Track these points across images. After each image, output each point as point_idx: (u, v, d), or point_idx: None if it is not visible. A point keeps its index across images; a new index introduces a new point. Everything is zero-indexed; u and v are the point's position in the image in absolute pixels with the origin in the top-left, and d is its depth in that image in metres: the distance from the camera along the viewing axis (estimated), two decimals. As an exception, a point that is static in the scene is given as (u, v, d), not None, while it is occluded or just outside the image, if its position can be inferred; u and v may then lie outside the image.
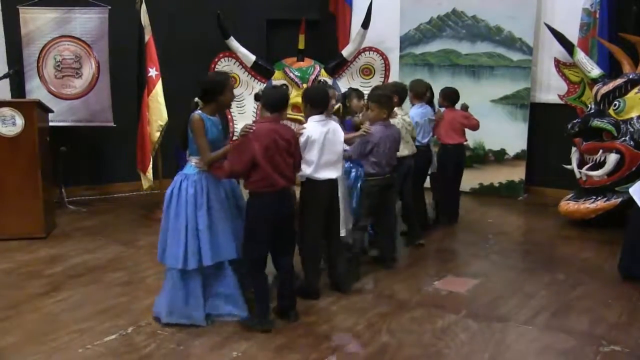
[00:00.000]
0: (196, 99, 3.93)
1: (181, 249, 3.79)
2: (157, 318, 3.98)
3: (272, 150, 3.74)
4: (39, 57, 6.81)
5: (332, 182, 4.36)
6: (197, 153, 3.86)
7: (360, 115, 5.24)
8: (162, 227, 3.93)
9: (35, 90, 6.81)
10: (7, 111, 5.57)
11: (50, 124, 6.31)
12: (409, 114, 5.73)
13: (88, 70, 6.97)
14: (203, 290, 3.91)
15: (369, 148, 4.72)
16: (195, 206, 3.80)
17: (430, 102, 6.31)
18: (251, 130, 3.73)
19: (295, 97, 7.43)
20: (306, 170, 4.26)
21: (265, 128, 3.79)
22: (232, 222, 3.94)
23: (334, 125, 4.43)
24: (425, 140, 5.94)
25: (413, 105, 6.00)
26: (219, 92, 3.87)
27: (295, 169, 3.99)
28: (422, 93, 5.98)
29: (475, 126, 6.44)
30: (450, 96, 6.34)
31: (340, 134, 4.45)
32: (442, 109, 6.34)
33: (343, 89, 7.31)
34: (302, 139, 4.21)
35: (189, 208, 3.80)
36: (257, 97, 4.59)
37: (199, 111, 3.84)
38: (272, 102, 3.92)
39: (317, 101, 4.35)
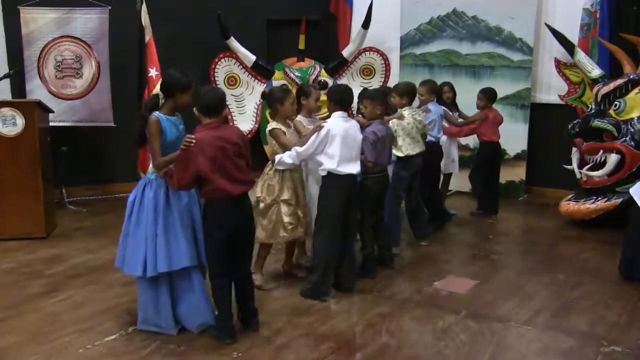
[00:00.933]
0: (158, 92, 3.79)
1: (141, 256, 3.67)
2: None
3: (220, 159, 3.50)
4: (39, 57, 6.83)
5: (353, 177, 4.36)
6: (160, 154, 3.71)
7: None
8: (122, 233, 3.80)
9: (36, 90, 6.83)
10: (7, 111, 5.58)
11: (51, 124, 6.31)
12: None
13: (88, 70, 6.98)
14: (172, 298, 3.80)
15: (378, 147, 4.72)
16: (155, 210, 3.68)
17: (453, 102, 6.51)
18: (192, 143, 3.44)
19: (295, 97, 7.45)
20: (329, 164, 4.25)
21: (207, 137, 3.50)
22: (196, 227, 3.78)
23: (355, 123, 4.48)
24: (440, 135, 6.02)
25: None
26: (178, 90, 3.67)
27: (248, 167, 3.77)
28: (437, 92, 6.11)
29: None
30: (493, 96, 6.58)
31: (359, 133, 4.46)
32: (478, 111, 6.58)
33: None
34: (322, 132, 4.21)
35: (149, 213, 3.68)
36: (263, 95, 4.61)
37: (157, 112, 3.67)
38: (209, 104, 3.61)
39: (342, 99, 4.41)
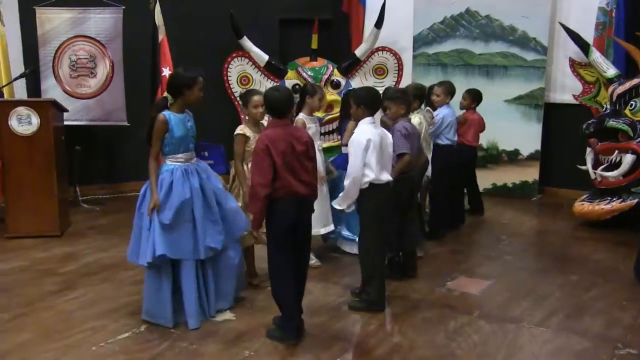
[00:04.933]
0: (166, 94, 3.86)
1: (140, 245, 3.83)
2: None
3: (289, 156, 3.53)
4: (54, 57, 6.88)
5: (389, 185, 4.20)
6: (169, 152, 3.83)
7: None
8: (133, 228, 3.96)
9: (51, 89, 6.88)
10: (23, 110, 5.63)
11: (65, 123, 6.36)
12: (440, 115, 5.75)
13: (102, 69, 7.02)
14: (172, 292, 3.88)
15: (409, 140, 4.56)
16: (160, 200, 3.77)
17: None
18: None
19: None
20: (370, 174, 4.04)
21: (277, 133, 3.55)
22: (196, 221, 3.83)
23: (384, 130, 4.26)
24: (455, 138, 5.95)
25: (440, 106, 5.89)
26: (185, 88, 3.76)
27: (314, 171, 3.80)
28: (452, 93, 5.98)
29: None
30: (479, 97, 6.40)
31: (390, 136, 4.27)
32: (463, 111, 6.42)
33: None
34: (363, 142, 4.01)
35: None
36: (242, 97, 4.55)
37: (167, 111, 3.77)
38: (278, 106, 3.62)
39: (372, 102, 4.15)
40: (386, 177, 4.15)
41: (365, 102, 4.13)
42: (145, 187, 3.87)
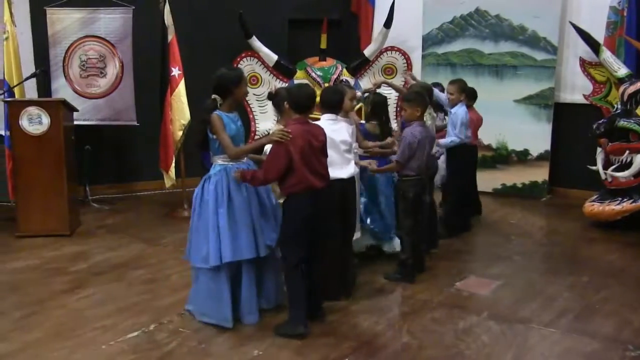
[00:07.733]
0: (214, 96, 3.87)
1: (204, 248, 3.82)
2: (191, 313, 4.06)
3: (307, 152, 3.68)
4: (64, 57, 6.92)
5: (343, 182, 4.23)
6: (220, 152, 3.86)
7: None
8: (190, 228, 3.97)
9: (61, 89, 6.92)
10: (33, 110, 5.67)
11: (75, 122, 6.40)
12: (456, 113, 5.72)
13: (112, 69, 7.05)
14: (231, 291, 3.90)
15: (413, 150, 4.58)
16: (215, 202, 3.81)
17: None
18: (289, 136, 3.62)
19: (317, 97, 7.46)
20: None
21: (299, 130, 3.69)
22: (254, 220, 3.87)
23: (344, 125, 4.30)
24: (470, 135, 5.92)
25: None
26: (234, 86, 3.84)
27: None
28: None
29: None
30: (475, 95, 6.32)
31: (345, 133, 4.26)
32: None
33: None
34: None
35: (210, 207, 3.81)
36: (270, 96, 4.50)
37: (217, 111, 3.81)
38: (300, 102, 3.80)
39: (329, 102, 4.21)
40: (337, 174, 4.14)
41: (322, 103, 4.20)
42: (196, 191, 3.90)
